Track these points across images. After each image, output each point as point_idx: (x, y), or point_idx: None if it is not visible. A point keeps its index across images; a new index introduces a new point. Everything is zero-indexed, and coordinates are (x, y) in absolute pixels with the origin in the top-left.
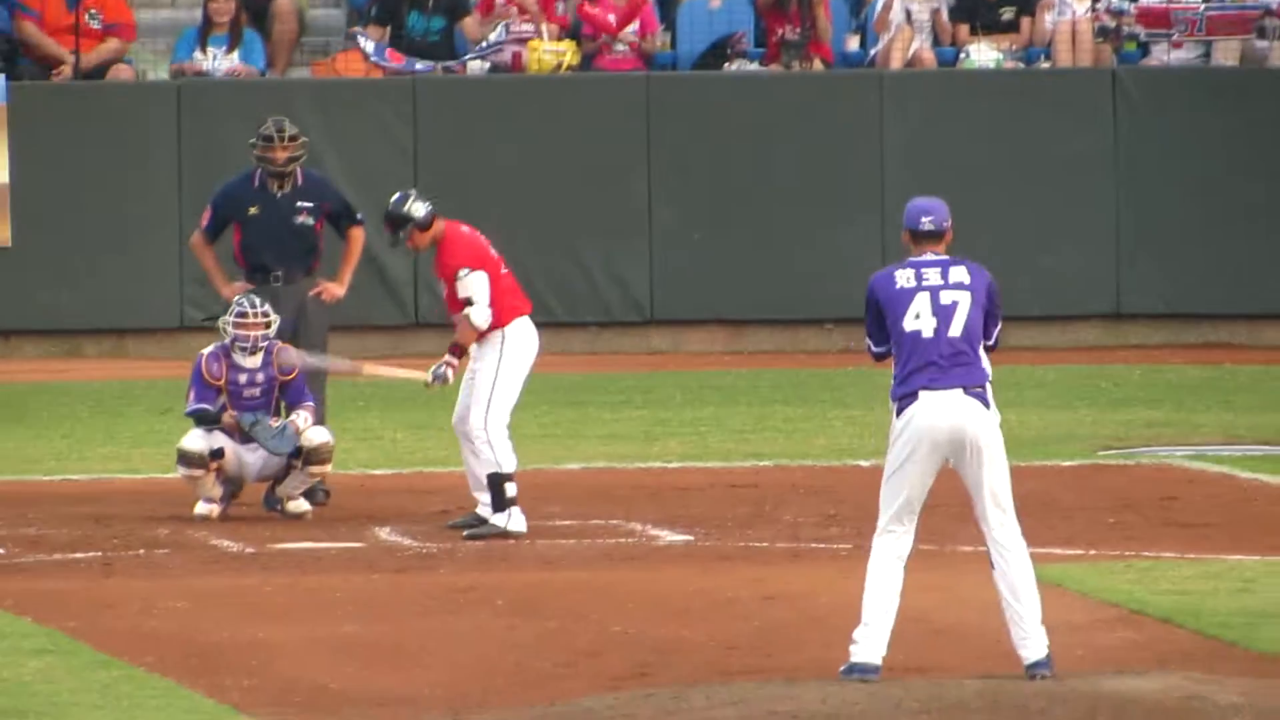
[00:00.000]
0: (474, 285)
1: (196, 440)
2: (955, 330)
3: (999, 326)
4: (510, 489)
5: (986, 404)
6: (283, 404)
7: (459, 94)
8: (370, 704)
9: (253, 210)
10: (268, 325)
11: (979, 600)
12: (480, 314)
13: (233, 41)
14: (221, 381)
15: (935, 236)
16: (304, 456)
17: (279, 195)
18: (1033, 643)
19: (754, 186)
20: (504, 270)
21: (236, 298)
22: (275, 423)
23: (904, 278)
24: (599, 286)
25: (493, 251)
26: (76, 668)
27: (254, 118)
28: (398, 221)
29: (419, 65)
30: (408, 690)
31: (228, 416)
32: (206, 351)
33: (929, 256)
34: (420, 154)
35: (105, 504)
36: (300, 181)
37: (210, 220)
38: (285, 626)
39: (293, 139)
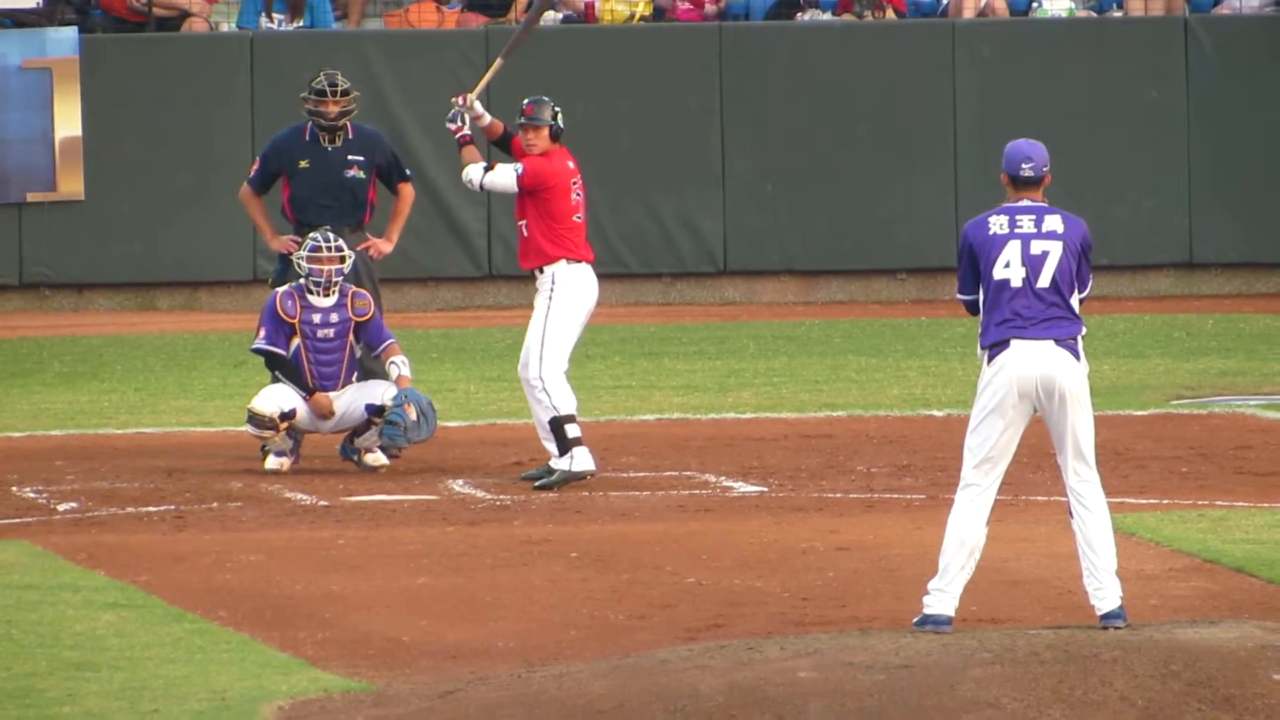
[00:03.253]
0: (503, 174)
1: (268, 402)
2: (1044, 281)
3: (1089, 283)
4: (571, 430)
5: (1077, 356)
6: (358, 346)
7: (531, 44)
8: (444, 656)
9: (303, 163)
10: (342, 260)
11: (1052, 551)
12: (477, 172)
13: (296, 10)
14: (295, 320)
15: (1034, 183)
16: (384, 411)
17: (330, 149)
18: (1107, 594)
19: (826, 137)
20: (577, 218)
21: (311, 234)
22: (411, 412)
23: (997, 224)
24: (672, 237)
25: (574, 197)
26: (149, 621)
27: (327, 69)
28: (539, 111)
29: None
30: (481, 643)
31: (319, 403)
32: (281, 290)
33: (1025, 203)
34: (492, 105)
35: (178, 457)
36: (351, 135)
37: (258, 171)
38: (359, 579)
39: (345, 93)
